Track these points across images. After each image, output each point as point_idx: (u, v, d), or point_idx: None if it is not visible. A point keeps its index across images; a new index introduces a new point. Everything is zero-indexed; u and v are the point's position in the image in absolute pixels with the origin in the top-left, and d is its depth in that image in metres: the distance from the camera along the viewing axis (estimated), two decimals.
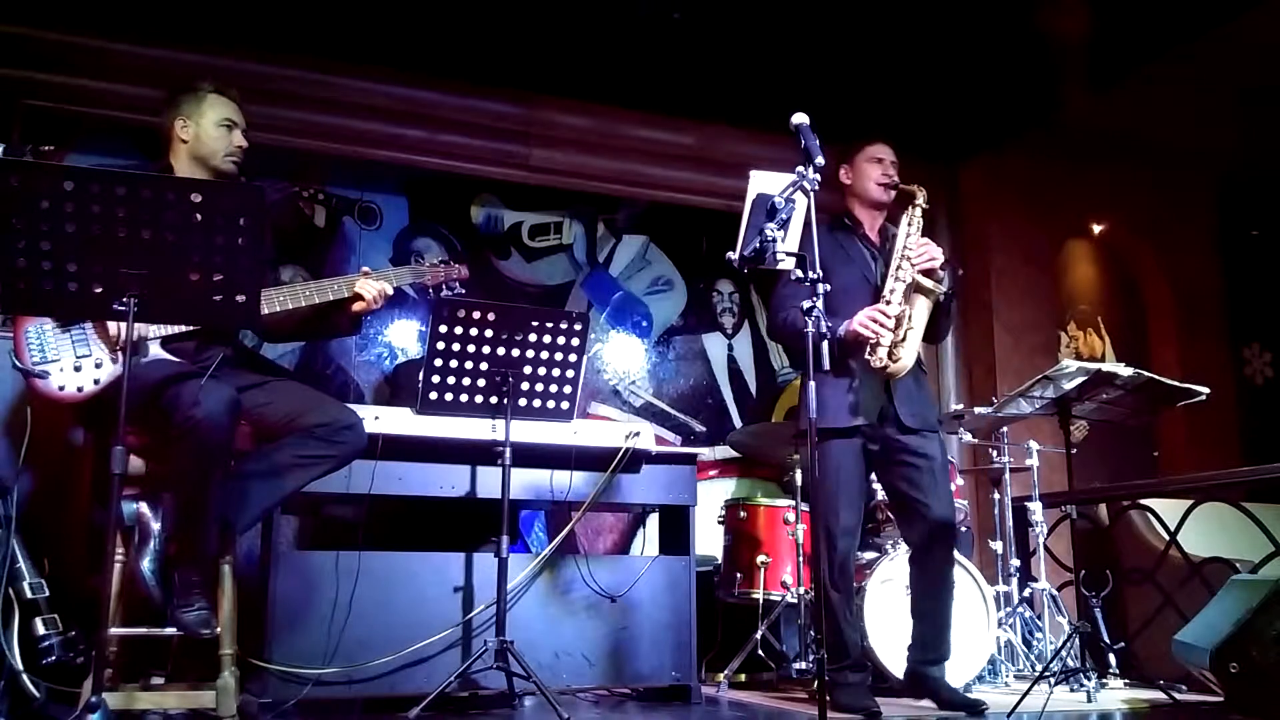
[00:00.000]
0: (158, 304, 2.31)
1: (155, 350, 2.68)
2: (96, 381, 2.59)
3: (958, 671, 3.68)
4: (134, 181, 2.22)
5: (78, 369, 2.58)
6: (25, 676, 2.68)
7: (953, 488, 3.55)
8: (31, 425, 2.95)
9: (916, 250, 3.22)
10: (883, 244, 3.43)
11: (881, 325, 3.14)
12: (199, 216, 2.24)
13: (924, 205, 3.31)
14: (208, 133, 2.83)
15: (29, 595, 2.76)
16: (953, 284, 3.32)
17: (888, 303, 3.19)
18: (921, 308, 3.19)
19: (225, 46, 4.51)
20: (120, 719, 2.50)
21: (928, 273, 3.20)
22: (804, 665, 3.96)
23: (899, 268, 3.23)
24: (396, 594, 3.15)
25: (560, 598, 3.38)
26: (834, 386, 3.25)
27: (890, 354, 3.14)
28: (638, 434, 3.45)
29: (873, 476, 3.56)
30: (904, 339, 3.15)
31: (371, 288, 2.90)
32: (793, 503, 3.96)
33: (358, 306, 2.90)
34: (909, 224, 3.28)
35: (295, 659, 2.98)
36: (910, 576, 3.38)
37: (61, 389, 2.57)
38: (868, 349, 3.17)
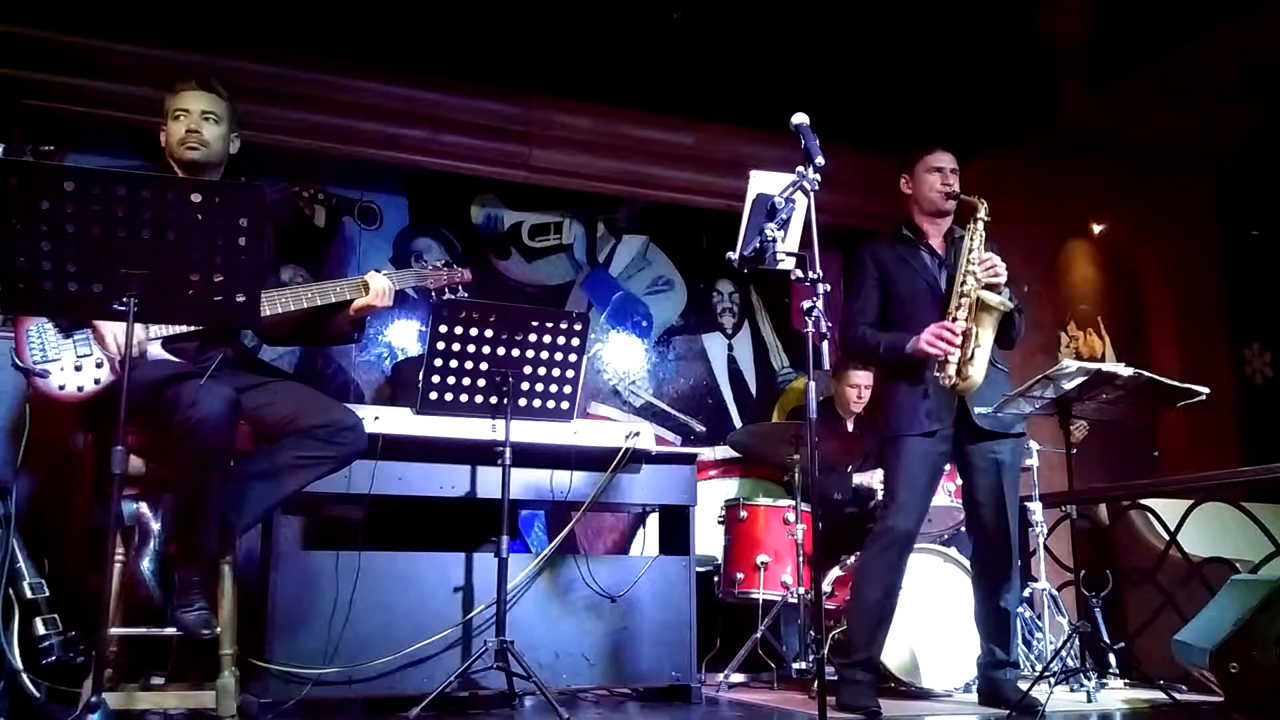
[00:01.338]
0: (158, 304, 2.31)
1: (156, 351, 2.68)
2: (97, 381, 2.59)
3: (958, 671, 3.69)
4: (134, 181, 2.22)
5: (78, 368, 2.58)
6: (25, 676, 2.68)
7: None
8: (31, 425, 2.95)
9: (981, 265, 3.21)
10: (948, 251, 3.42)
11: (948, 342, 3.14)
12: (199, 216, 2.24)
13: (985, 218, 3.30)
14: (169, 129, 2.82)
15: (29, 595, 2.76)
16: (1018, 300, 3.30)
17: (954, 319, 3.18)
18: (988, 325, 3.17)
19: (225, 46, 4.51)
20: (120, 719, 2.50)
21: (992, 287, 3.19)
22: (804, 665, 3.96)
23: (963, 282, 3.22)
24: (396, 594, 3.15)
25: (560, 598, 3.38)
26: (908, 394, 3.29)
27: (959, 372, 3.14)
28: (638, 434, 3.45)
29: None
30: (972, 357, 3.14)
31: (378, 281, 2.89)
32: (793, 503, 3.96)
33: (360, 303, 2.89)
34: (971, 238, 3.28)
35: (295, 659, 2.98)
36: (973, 580, 3.41)
37: (62, 388, 2.56)
38: (936, 365, 3.18)
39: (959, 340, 3.15)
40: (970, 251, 3.26)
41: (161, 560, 2.90)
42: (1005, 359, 3.45)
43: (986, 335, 3.18)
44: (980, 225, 3.29)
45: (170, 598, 2.59)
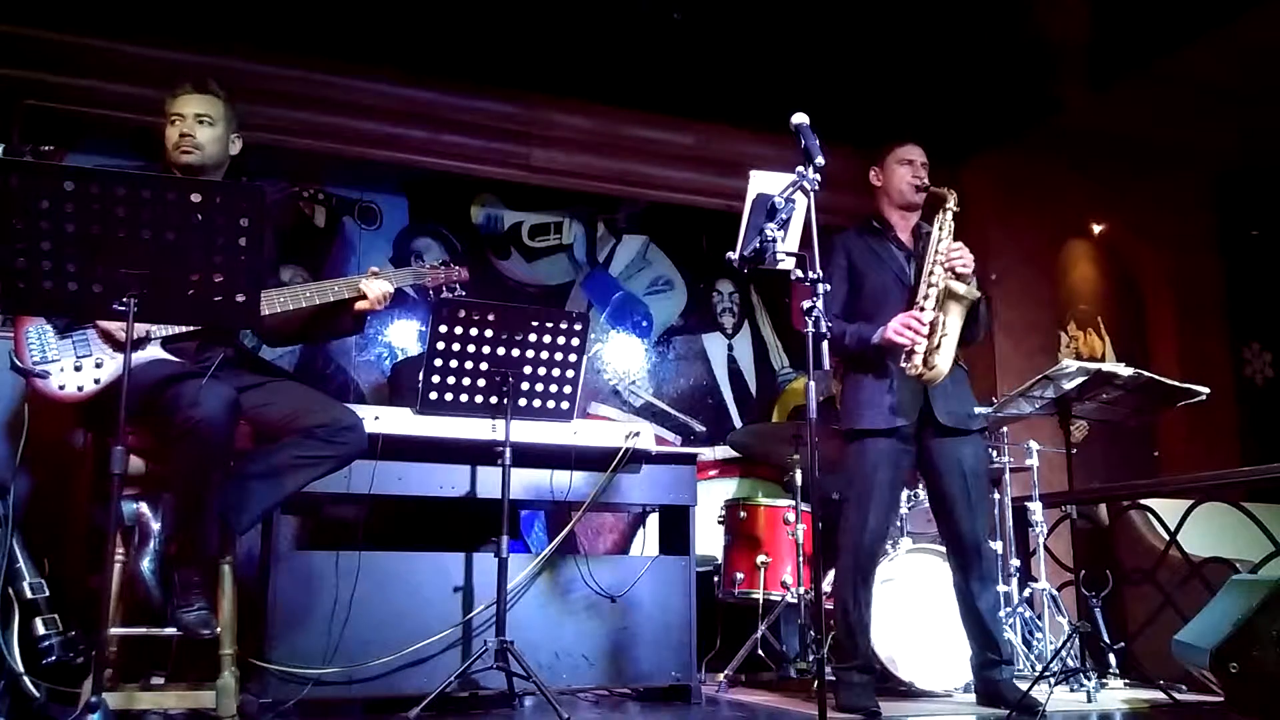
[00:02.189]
0: (158, 304, 2.31)
1: (155, 350, 2.68)
2: (97, 381, 2.59)
3: (958, 671, 3.69)
4: (134, 181, 2.22)
5: (78, 369, 2.58)
6: (25, 676, 2.68)
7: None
8: (30, 425, 2.95)
9: (948, 255, 3.21)
10: (916, 244, 3.42)
11: (916, 331, 3.14)
12: (199, 216, 2.24)
13: (954, 209, 3.30)
14: (167, 132, 2.82)
15: (29, 595, 2.76)
16: (986, 289, 3.31)
17: (921, 309, 3.19)
18: (955, 314, 3.18)
19: (225, 46, 4.51)
20: (120, 719, 2.50)
21: (960, 277, 3.20)
22: (805, 665, 3.96)
23: (931, 273, 3.23)
24: (396, 594, 3.15)
25: (560, 598, 3.38)
26: (872, 388, 3.29)
27: (925, 361, 3.15)
28: (638, 434, 3.45)
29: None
30: (939, 346, 3.14)
31: (375, 287, 2.89)
32: (793, 503, 3.96)
33: (361, 305, 2.89)
34: (940, 228, 3.28)
35: (295, 659, 2.98)
36: (952, 582, 3.41)
37: (62, 389, 2.57)
38: (903, 355, 3.18)
39: (926, 329, 3.15)
40: (939, 242, 3.26)
41: (161, 560, 2.90)
42: (971, 359, 3.45)
43: (954, 324, 3.18)
44: (949, 216, 3.29)
45: (170, 598, 2.59)
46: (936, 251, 3.24)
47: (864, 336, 3.25)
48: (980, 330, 3.41)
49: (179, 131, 2.79)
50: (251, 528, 2.81)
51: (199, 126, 2.80)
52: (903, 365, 3.19)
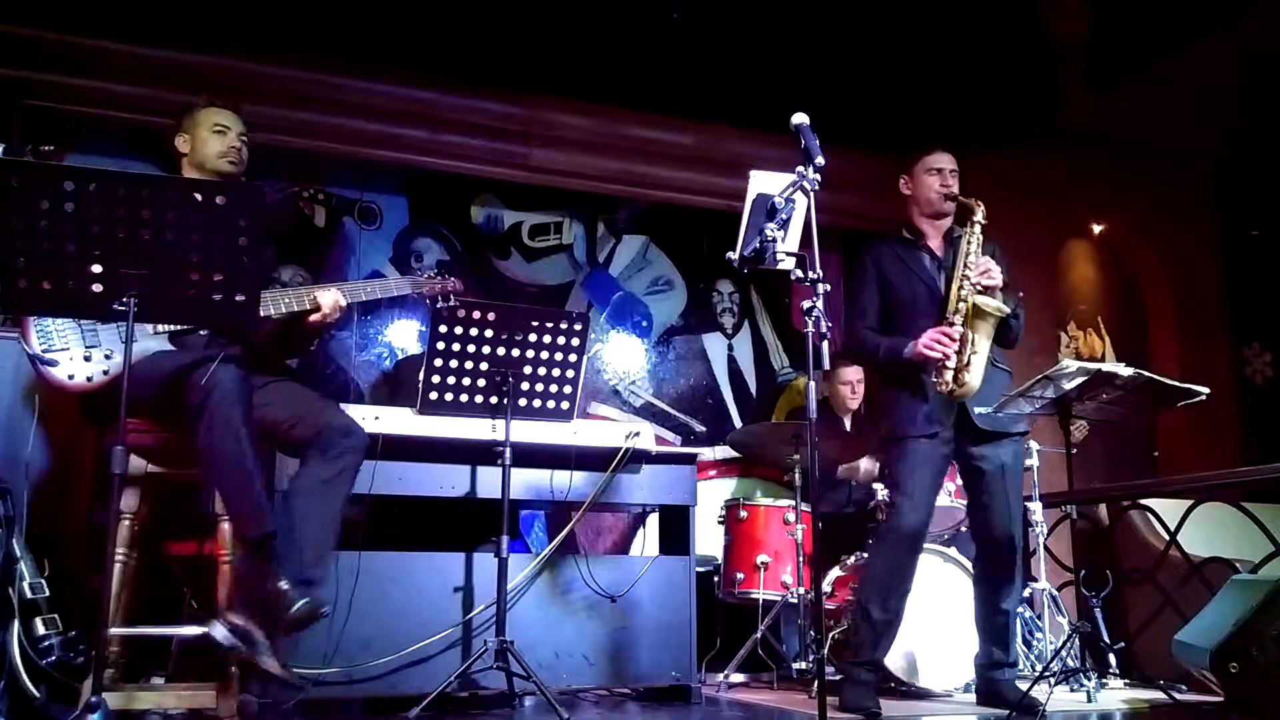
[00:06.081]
0: (158, 304, 2.31)
1: (162, 345, 2.68)
2: (105, 373, 2.59)
3: (958, 671, 3.70)
4: (134, 181, 2.22)
5: (87, 359, 2.58)
6: (25, 676, 2.68)
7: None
8: (39, 417, 2.95)
9: (976, 270, 3.21)
10: (947, 252, 3.41)
11: (947, 346, 3.14)
12: (199, 216, 2.24)
13: (983, 221, 3.29)
14: (202, 139, 2.87)
15: (29, 595, 2.76)
16: (1015, 305, 3.30)
17: (950, 324, 3.18)
18: (984, 331, 3.17)
19: (225, 47, 4.51)
20: (120, 719, 2.50)
21: (987, 292, 3.19)
22: (805, 665, 3.96)
23: (961, 287, 3.22)
24: (396, 594, 3.15)
25: (560, 598, 3.38)
26: (908, 398, 3.29)
27: (956, 378, 3.14)
28: (638, 434, 3.45)
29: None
30: (969, 363, 3.14)
31: (328, 298, 2.83)
32: (793, 503, 3.96)
33: (314, 318, 2.83)
34: (968, 241, 3.27)
35: (295, 659, 2.97)
36: (974, 581, 3.41)
37: (71, 378, 2.56)
38: (934, 371, 3.18)
39: (956, 345, 3.15)
40: (966, 256, 3.25)
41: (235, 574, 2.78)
42: (1007, 358, 3.44)
43: (983, 342, 3.17)
44: (977, 229, 3.29)
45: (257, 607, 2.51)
46: (965, 266, 3.24)
47: (896, 350, 3.25)
48: (1016, 335, 3.39)
49: (229, 143, 2.87)
50: (322, 563, 2.66)
51: (242, 144, 2.90)
52: (934, 380, 3.19)
